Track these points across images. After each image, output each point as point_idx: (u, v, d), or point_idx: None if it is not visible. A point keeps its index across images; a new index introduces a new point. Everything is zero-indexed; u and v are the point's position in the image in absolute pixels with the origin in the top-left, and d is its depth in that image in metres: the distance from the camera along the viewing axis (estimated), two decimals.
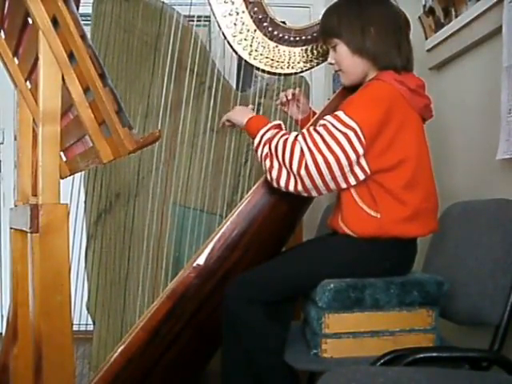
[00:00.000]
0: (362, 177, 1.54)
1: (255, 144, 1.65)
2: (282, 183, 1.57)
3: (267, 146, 1.60)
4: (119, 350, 1.77)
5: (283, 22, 1.92)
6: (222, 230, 1.80)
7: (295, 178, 1.54)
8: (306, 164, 1.50)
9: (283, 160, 1.55)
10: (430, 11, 2.16)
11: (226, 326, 1.63)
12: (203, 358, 1.89)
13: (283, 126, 1.68)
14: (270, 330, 1.60)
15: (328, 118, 1.55)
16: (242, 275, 1.66)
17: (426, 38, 2.21)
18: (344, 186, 1.56)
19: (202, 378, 1.99)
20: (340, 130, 1.50)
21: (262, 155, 1.62)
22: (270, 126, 1.66)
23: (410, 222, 1.57)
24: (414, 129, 1.58)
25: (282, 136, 1.59)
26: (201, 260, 1.79)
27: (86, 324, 2.25)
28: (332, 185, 1.54)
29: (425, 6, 2.21)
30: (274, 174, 1.58)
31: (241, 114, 1.77)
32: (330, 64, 1.75)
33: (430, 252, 1.80)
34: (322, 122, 1.56)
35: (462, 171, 2.01)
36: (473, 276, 1.52)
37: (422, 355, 1.35)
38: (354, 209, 1.59)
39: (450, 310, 1.57)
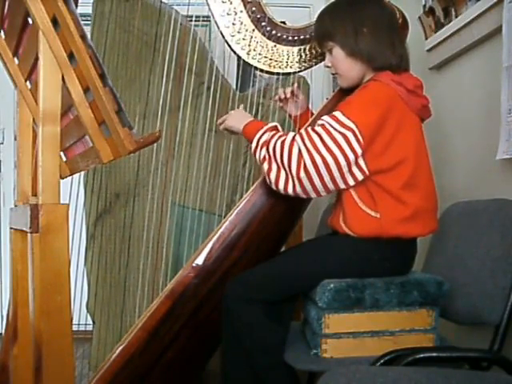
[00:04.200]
0: (360, 177, 1.54)
1: (253, 148, 1.64)
2: (281, 186, 1.57)
3: (265, 149, 1.60)
4: (119, 349, 1.77)
5: (283, 22, 1.92)
6: (221, 230, 1.80)
7: (293, 180, 1.53)
8: (305, 165, 1.50)
9: (281, 161, 1.54)
10: (430, 11, 2.16)
11: (225, 326, 1.63)
12: (202, 357, 1.89)
13: (280, 128, 1.68)
14: (270, 329, 1.60)
15: (326, 118, 1.54)
16: (241, 275, 1.66)
17: (426, 38, 2.21)
18: (343, 186, 1.55)
19: (201, 378, 1.99)
20: (338, 131, 1.50)
21: (260, 158, 1.62)
22: (266, 128, 1.65)
23: (409, 221, 1.57)
24: (411, 129, 1.58)
25: (279, 137, 1.58)
26: (200, 260, 1.79)
27: (86, 324, 2.24)
28: (331, 185, 1.53)
29: (425, 5, 2.21)
30: (273, 176, 1.58)
31: (237, 120, 1.75)
32: (327, 67, 1.74)
33: (430, 252, 1.80)
34: (319, 122, 1.56)
35: (462, 171, 2.01)
36: (473, 276, 1.52)
37: (422, 355, 1.35)
38: (354, 209, 1.59)
39: (449, 310, 1.57)
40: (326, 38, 1.69)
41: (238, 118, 1.76)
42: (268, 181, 1.61)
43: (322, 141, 1.50)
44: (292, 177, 1.53)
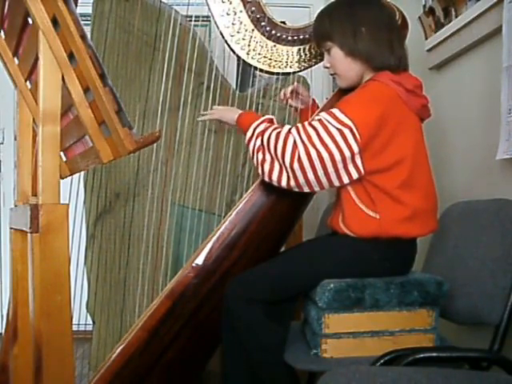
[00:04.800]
0: (355, 176, 1.54)
1: (247, 137, 1.65)
2: (274, 177, 1.57)
3: (259, 139, 1.60)
4: (119, 349, 1.77)
5: (283, 22, 1.92)
6: (221, 230, 1.80)
7: (287, 173, 1.53)
8: (299, 156, 1.50)
9: (275, 152, 1.54)
10: (430, 11, 2.16)
11: (225, 326, 1.63)
12: (202, 357, 1.89)
13: (275, 121, 1.68)
14: (270, 329, 1.60)
15: (323, 114, 1.55)
16: (241, 275, 1.66)
17: (426, 38, 2.21)
18: (337, 183, 1.55)
19: (201, 378, 1.99)
20: (335, 127, 1.50)
21: (254, 148, 1.62)
22: (262, 119, 1.66)
23: (409, 222, 1.57)
24: (410, 129, 1.58)
25: (274, 129, 1.59)
26: (200, 259, 1.79)
27: (86, 324, 2.24)
28: (324, 181, 1.53)
29: (425, 6, 2.21)
30: (266, 167, 1.58)
31: (229, 111, 1.79)
32: (326, 68, 1.74)
33: (430, 252, 1.80)
34: (316, 117, 1.56)
35: (462, 171, 2.01)
36: (473, 276, 1.52)
37: (421, 355, 1.35)
38: (354, 210, 1.59)
39: (450, 310, 1.57)
40: (324, 38, 1.69)
41: (229, 110, 1.80)
42: (261, 172, 1.61)
43: (317, 135, 1.50)
44: (286, 168, 1.53)
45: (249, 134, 1.64)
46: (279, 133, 1.56)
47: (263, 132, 1.60)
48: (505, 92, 1.62)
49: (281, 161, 1.53)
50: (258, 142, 1.60)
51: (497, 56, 1.67)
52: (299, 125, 1.56)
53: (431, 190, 1.63)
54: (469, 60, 1.96)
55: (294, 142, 1.52)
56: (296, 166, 1.51)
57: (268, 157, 1.57)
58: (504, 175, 1.72)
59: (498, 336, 1.44)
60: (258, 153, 1.60)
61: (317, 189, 1.57)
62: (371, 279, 1.53)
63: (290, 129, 1.57)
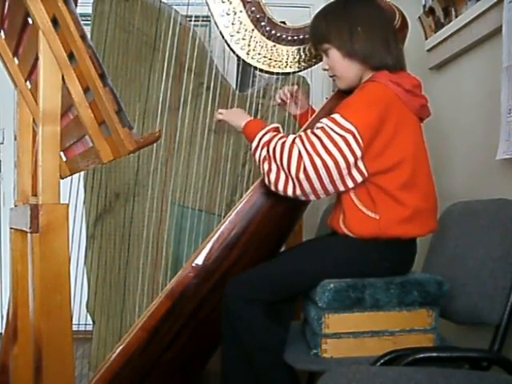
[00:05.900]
0: (359, 179, 1.54)
1: (253, 147, 1.64)
2: (280, 187, 1.57)
3: (265, 149, 1.59)
4: (118, 349, 1.77)
5: (283, 22, 1.92)
6: (221, 230, 1.80)
7: (293, 182, 1.53)
8: (305, 167, 1.50)
9: (281, 163, 1.54)
10: (430, 11, 2.16)
11: (225, 326, 1.63)
12: (202, 357, 1.89)
13: (281, 130, 1.68)
14: (270, 329, 1.60)
15: (325, 120, 1.54)
16: (241, 275, 1.66)
17: (426, 38, 2.21)
18: (342, 188, 1.55)
19: (201, 378, 1.99)
20: (338, 133, 1.49)
21: (260, 158, 1.61)
22: (267, 128, 1.65)
23: (409, 222, 1.56)
24: (410, 129, 1.58)
25: (279, 139, 1.58)
26: (200, 259, 1.79)
27: (86, 324, 2.24)
28: (330, 188, 1.53)
29: (425, 6, 2.21)
30: (272, 177, 1.57)
31: (238, 117, 1.77)
32: (325, 70, 1.74)
33: (430, 252, 1.80)
34: (319, 124, 1.56)
35: (462, 171, 2.01)
36: (473, 276, 1.52)
37: (421, 355, 1.35)
38: (354, 210, 1.59)
39: (450, 310, 1.57)
40: (321, 40, 1.69)
41: (239, 115, 1.78)
42: (267, 181, 1.60)
43: (322, 144, 1.50)
44: (292, 178, 1.53)
45: (254, 143, 1.64)
46: (284, 143, 1.56)
47: (269, 142, 1.59)
48: (505, 92, 1.62)
49: (287, 171, 1.53)
50: (264, 153, 1.60)
51: (497, 56, 1.67)
52: (302, 134, 1.55)
53: (431, 190, 1.63)
54: (469, 60, 1.96)
55: (299, 152, 1.52)
56: (302, 176, 1.51)
57: (274, 167, 1.57)
58: (504, 175, 1.72)
59: (498, 336, 1.44)
60: (263, 163, 1.60)
61: (323, 196, 1.56)
62: (371, 279, 1.53)
63: (294, 138, 1.56)
